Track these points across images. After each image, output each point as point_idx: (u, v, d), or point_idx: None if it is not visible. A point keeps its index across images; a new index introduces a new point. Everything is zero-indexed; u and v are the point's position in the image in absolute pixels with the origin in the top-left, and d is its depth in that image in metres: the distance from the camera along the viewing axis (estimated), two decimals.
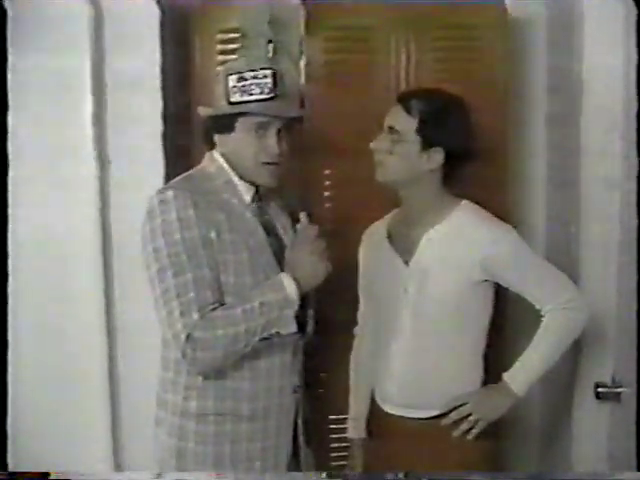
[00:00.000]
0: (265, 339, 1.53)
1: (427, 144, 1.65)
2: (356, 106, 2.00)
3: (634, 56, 1.78)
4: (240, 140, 1.60)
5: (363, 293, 1.91)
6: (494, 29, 2.05)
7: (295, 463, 1.70)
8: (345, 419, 1.95)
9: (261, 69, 1.57)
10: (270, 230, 1.66)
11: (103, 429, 2.00)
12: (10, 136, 1.83)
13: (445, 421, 1.69)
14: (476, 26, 2.06)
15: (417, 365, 1.72)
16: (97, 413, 2.00)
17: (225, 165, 1.62)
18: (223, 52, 2.01)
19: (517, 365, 1.69)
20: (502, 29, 2.05)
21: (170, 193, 1.52)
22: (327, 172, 2.09)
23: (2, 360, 1.78)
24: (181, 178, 1.63)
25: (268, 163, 1.60)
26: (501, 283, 1.70)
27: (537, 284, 1.68)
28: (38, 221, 1.94)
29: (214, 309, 1.49)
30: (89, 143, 1.93)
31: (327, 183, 2.09)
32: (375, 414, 1.82)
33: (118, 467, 2.02)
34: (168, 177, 1.90)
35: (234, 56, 1.96)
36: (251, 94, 1.57)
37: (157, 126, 1.96)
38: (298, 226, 1.63)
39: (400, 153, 1.66)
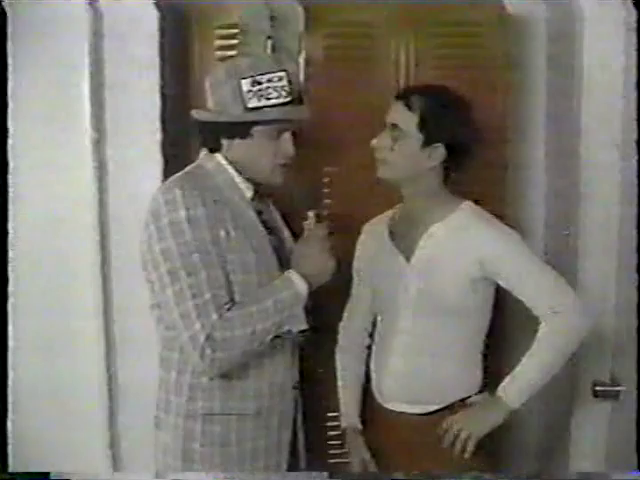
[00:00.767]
0: (275, 337, 1.54)
1: (428, 140, 1.64)
2: (355, 103, 2.00)
3: (634, 56, 1.78)
4: (257, 146, 1.58)
5: (359, 286, 1.90)
6: (494, 27, 2.04)
7: (294, 460, 1.70)
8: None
9: (274, 71, 1.55)
10: (270, 228, 1.66)
11: (102, 429, 2.00)
12: (10, 136, 1.81)
13: (439, 430, 1.68)
14: (476, 24, 2.05)
15: (416, 361, 1.72)
16: (96, 414, 1.99)
17: (224, 162, 1.60)
18: (222, 48, 2.00)
19: (511, 377, 1.66)
20: (502, 28, 2.05)
21: (178, 192, 1.49)
22: (326, 169, 2.09)
23: (3, 362, 1.77)
24: (181, 176, 1.59)
25: (283, 164, 1.61)
26: (500, 283, 1.69)
27: (535, 286, 1.66)
28: (38, 222, 1.93)
29: (229, 309, 1.48)
30: (88, 143, 1.91)
31: (326, 180, 2.09)
32: (374, 409, 1.82)
33: (117, 467, 2.01)
34: (167, 177, 1.89)
35: (232, 52, 1.94)
36: (269, 98, 1.54)
37: (156, 126, 1.95)
38: (305, 224, 1.64)
39: (401, 150, 1.66)
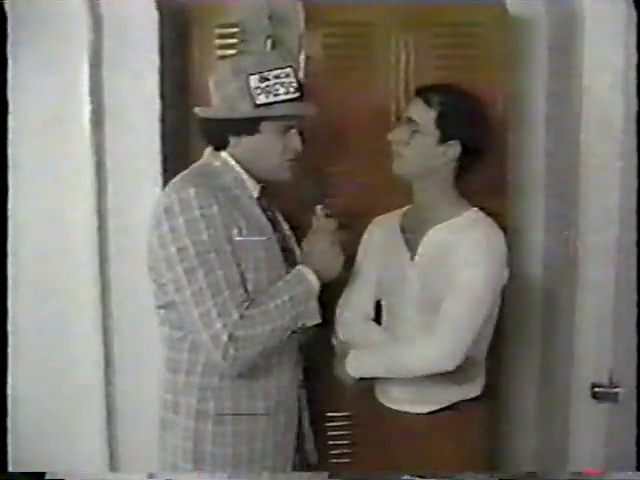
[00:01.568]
0: (292, 332, 1.55)
1: (445, 137, 1.66)
2: (355, 101, 2.00)
3: (634, 56, 1.78)
4: (265, 142, 1.58)
5: (363, 276, 1.86)
6: (494, 27, 2.03)
7: (298, 459, 1.71)
8: (342, 416, 1.96)
9: (281, 67, 1.56)
10: (275, 225, 1.66)
11: (100, 430, 2.00)
12: (10, 136, 1.82)
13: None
14: (476, 24, 2.04)
15: None
16: (94, 415, 1.99)
17: (231, 160, 1.60)
18: (222, 47, 2.00)
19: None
20: (502, 28, 2.04)
21: (192, 190, 1.47)
22: (325, 168, 2.08)
23: (3, 362, 1.77)
24: (192, 174, 1.58)
25: (289, 160, 1.61)
26: None
27: (443, 314, 1.65)
28: (37, 222, 1.93)
29: (248, 307, 1.48)
30: (87, 144, 1.91)
31: (326, 178, 2.09)
32: (376, 409, 1.83)
33: (114, 468, 2.01)
34: (166, 178, 1.89)
35: (232, 52, 1.93)
36: (277, 94, 1.54)
37: (156, 126, 1.94)
38: (314, 219, 1.65)
39: (417, 145, 1.67)
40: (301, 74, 1.97)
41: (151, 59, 1.92)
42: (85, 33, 1.87)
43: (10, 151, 1.83)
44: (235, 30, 1.96)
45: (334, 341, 1.83)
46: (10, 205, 1.84)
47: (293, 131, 1.60)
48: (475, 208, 1.74)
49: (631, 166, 1.80)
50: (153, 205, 1.56)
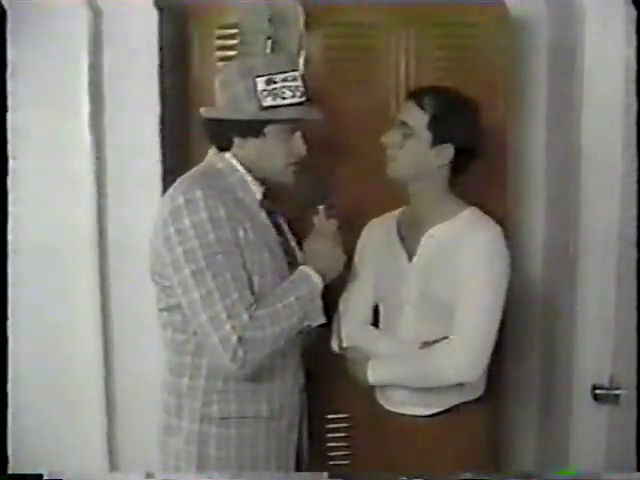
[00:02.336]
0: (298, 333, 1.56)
1: (437, 140, 1.66)
2: (355, 103, 2.00)
3: (634, 56, 1.77)
4: (270, 144, 1.58)
5: (361, 280, 1.85)
6: (494, 28, 2.03)
7: (297, 461, 1.71)
8: (342, 418, 1.95)
9: (288, 71, 1.56)
10: (278, 227, 1.67)
11: (100, 431, 2.00)
12: (10, 134, 1.82)
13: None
14: (476, 24, 2.04)
15: None
16: (94, 415, 2.00)
17: (235, 162, 1.60)
18: (222, 48, 2.00)
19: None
20: (502, 28, 2.04)
21: (198, 192, 1.47)
22: (327, 168, 2.08)
23: (2, 366, 1.77)
24: (197, 175, 1.58)
25: (293, 164, 1.61)
26: None
27: (461, 314, 1.64)
28: (37, 223, 1.94)
29: (256, 308, 1.48)
30: (87, 144, 1.92)
31: (327, 179, 2.09)
32: (376, 411, 1.82)
33: (114, 468, 2.01)
34: (166, 178, 1.90)
35: (232, 52, 1.94)
36: (284, 98, 1.55)
37: (156, 125, 1.94)
38: (316, 219, 1.66)
39: (410, 148, 1.67)
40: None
41: (151, 59, 1.93)
42: (85, 33, 1.88)
43: (10, 151, 1.83)
44: (235, 31, 1.97)
45: (334, 346, 1.82)
46: (10, 205, 1.84)
47: (298, 135, 1.60)
48: (472, 207, 1.73)
49: (631, 166, 1.79)
50: (157, 207, 1.56)
